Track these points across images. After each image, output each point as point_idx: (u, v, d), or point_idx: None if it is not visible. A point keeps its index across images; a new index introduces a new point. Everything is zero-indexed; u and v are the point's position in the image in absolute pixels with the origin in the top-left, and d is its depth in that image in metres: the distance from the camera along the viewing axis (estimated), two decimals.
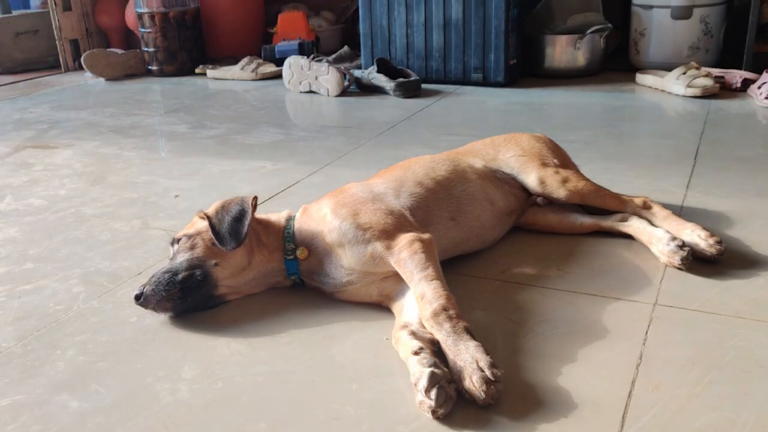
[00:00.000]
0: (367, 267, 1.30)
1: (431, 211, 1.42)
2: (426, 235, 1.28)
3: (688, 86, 2.87)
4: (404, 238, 1.26)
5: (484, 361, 1.03)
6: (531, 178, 1.58)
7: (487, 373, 1.02)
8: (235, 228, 1.33)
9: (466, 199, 1.48)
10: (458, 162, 1.56)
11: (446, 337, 1.09)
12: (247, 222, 1.33)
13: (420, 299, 1.16)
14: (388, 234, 1.28)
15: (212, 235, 1.33)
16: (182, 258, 1.33)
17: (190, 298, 1.31)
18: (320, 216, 1.36)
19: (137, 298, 1.30)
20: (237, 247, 1.32)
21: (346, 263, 1.31)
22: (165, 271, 1.31)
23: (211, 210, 1.38)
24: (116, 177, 2.26)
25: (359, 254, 1.29)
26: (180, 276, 1.30)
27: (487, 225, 1.52)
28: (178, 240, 1.38)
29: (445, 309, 1.13)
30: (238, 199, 1.38)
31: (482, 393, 1.01)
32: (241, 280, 1.36)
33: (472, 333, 1.10)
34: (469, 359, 1.04)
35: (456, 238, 1.45)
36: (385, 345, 1.21)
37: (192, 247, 1.35)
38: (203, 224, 1.37)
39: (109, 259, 1.63)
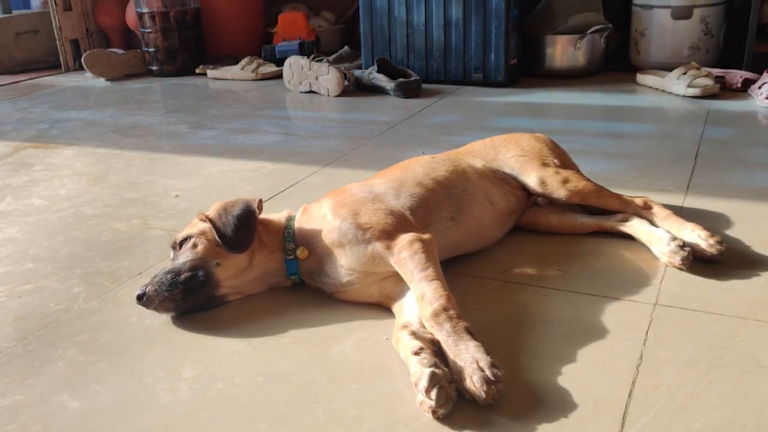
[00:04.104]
0: (367, 267, 1.30)
1: (431, 210, 1.42)
2: (426, 235, 1.28)
3: (689, 86, 2.87)
4: (404, 238, 1.26)
5: (484, 361, 1.03)
6: (531, 179, 1.58)
7: (488, 373, 1.02)
8: (242, 232, 1.33)
9: (467, 199, 1.48)
10: (458, 162, 1.56)
11: (446, 337, 1.09)
12: (254, 225, 1.34)
13: (420, 299, 1.16)
14: (388, 234, 1.28)
15: (218, 238, 1.33)
16: (184, 258, 1.33)
17: (192, 298, 1.31)
18: (320, 216, 1.36)
19: (139, 298, 1.30)
20: (244, 251, 1.33)
21: (346, 263, 1.31)
22: (167, 272, 1.31)
23: (212, 213, 1.38)
24: (116, 177, 2.26)
25: (359, 254, 1.29)
26: (182, 276, 1.30)
27: (486, 225, 1.52)
28: (180, 241, 1.37)
29: (445, 309, 1.13)
30: (241, 201, 1.38)
31: (483, 393, 1.01)
32: (243, 280, 1.37)
33: (472, 333, 1.10)
34: (470, 359, 1.04)
35: (456, 238, 1.45)
36: (385, 345, 1.21)
37: (194, 248, 1.34)
38: (205, 225, 1.37)
39: (109, 259, 1.63)
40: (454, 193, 1.47)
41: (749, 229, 1.59)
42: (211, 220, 1.35)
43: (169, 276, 1.30)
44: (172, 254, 1.38)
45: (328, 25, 4.26)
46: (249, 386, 1.13)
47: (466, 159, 1.60)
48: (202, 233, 1.36)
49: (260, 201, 1.37)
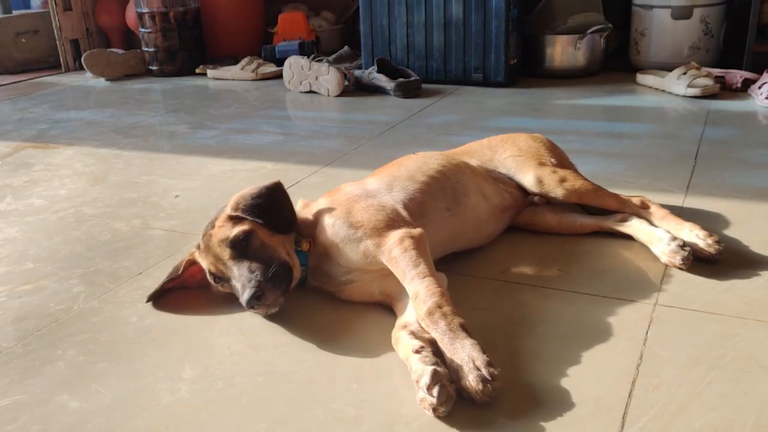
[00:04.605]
0: (360, 265, 1.30)
1: (426, 203, 1.41)
2: (416, 231, 1.28)
3: (689, 86, 2.87)
4: (394, 236, 1.26)
5: (480, 359, 1.03)
6: (528, 178, 1.58)
7: (484, 372, 1.02)
8: (286, 209, 1.36)
9: (461, 190, 1.48)
10: (452, 158, 1.57)
11: (442, 335, 1.09)
12: (288, 200, 1.37)
13: (414, 299, 1.16)
14: (379, 231, 1.28)
15: (267, 224, 1.30)
16: (264, 254, 1.27)
17: (289, 291, 1.30)
18: (315, 215, 1.37)
19: (257, 297, 1.22)
20: (294, 227, 1.35)
21: (341, 262, 1.32)
22: (264, 269, 1.24)
23: (241, 206, 1.32)
24: (116, 177, 2.26)
25: (352, 252, 1.29)
26: (284, 269, 1.27)
27: (482, 217, 1.52)
28: (239, 241, 1.28)
29: (439, 306, 1.12)
30: (260, 186, 1.36)
31: (479, 392, 1.01)
32: (297, 269, 1.34)
33: (468, 330, 1.10)
34: (466, 358, 1.04)
35: (453, 229, 1.45)
36: (385, 345, 1.21)
37: (262, 245, 1.29)
38: (246, 224, 1.31)
39: (110, 259, 1.63)
40: (447, 185, 1.47)
41: (749, 229, 1.59)
42: (258, 210, 1.32)
43: (273, 269, 1.25)
44: (228, 255, 1.28)
45: (328, 25, 4.26)
46: (249, 386, 1.13)
47: (461, 158, 1.61)
48: (256, 228, 1.30)
49: (280, 181, 1.39)
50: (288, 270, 1.29)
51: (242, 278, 1.25)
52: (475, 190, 1.51)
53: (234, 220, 1.32)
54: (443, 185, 1.47)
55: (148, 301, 1.41)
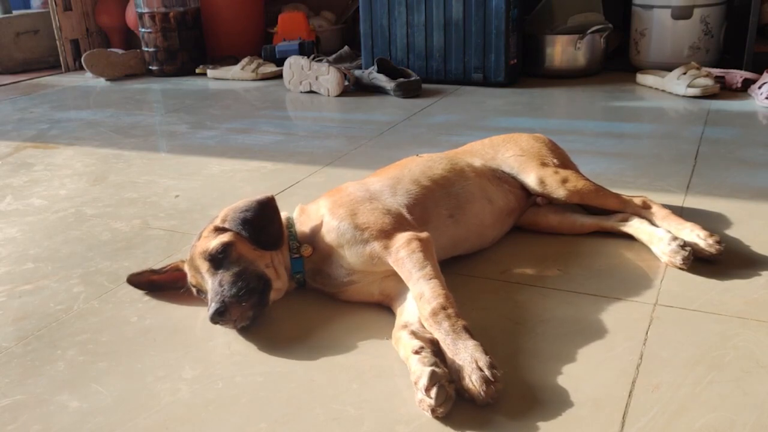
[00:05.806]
0: (366, 267, 1.30)
1: (429, 209, 1.41)
2: (424, 234, 1.28)
3: (689, 86, 2.87)
4: (402, 238, 1.26)
5: (483, 360, 1.03)
6: (530, 178, 1.58)
7: (486, 373, 1.02)
8: (272, 227, 1.33)
9: (465, 197, 1.48)
10: (456, 161, 1.56)
11: (445, 336, 1.09)
12: (279, 218, 1.35)
13: (419, 299, 1.16)
14: (386, 233, 1.28)
15: (252, 238, 1.28)
16: (238, 267, 1.26)
17: (262, 304, 1.27)
18: (318, 216, 1.36)
19: (220, 313, 1.20)
20: (281, 245, 1.32)
21: (345, 263, 1.31)
22: (233, 282, 1.23)
23: (229, 220, 1.32)
24: (116, 177, 2.26)
25: (358, 254, 1.29)
26: (252, 283, 1.24)
27: (486, 223, 1.52)
28: (216, 254, 1.27)
29: (443, 308, 1.13)
30: (252, 200, 1.35)
31: (482, 393, 1.01)
32: (281, 281, 1.34)
33: (470, 332, 1.10)
34: (468, 358, 1.04)
35: (455, 236, 1.45)
36: (385, 345, 1.21)
37: (240, 256, 1.28)
38: (229, 234, 1.30)
39: (110, 259, 1.63)
40: (451, 191, 1.47)
41: (749, 229, 1.59)
42: (244, 222, 1.30)
43: (240, 284, 1.23)
44: (205, 267, 1.27)
45: (328, 25, 4.26)
46: (249, 386, 1.13)
47: (464, 158, 1.60)
48: (237, 240, 1.29)
49: (272, 197, 1.36)
50: (264, 283, 1.27)
51: (211, 293, 1.25)
52: (480, 196, 1.50)
53: (219, 231, 1.32)
54: (447, 191, 1.46)
55: (127, 281, 1.44)
